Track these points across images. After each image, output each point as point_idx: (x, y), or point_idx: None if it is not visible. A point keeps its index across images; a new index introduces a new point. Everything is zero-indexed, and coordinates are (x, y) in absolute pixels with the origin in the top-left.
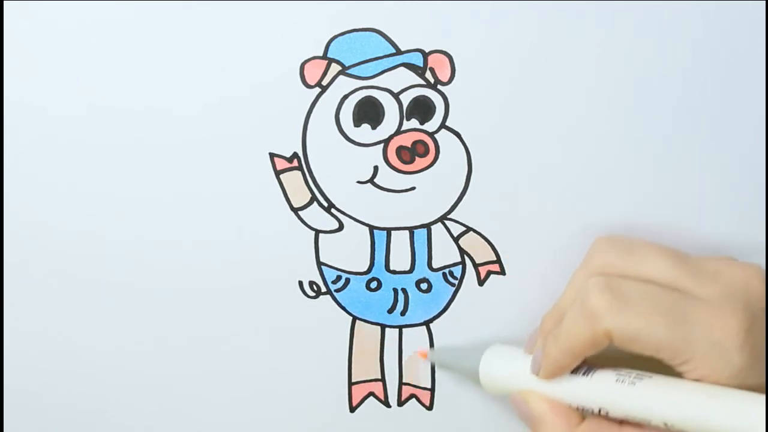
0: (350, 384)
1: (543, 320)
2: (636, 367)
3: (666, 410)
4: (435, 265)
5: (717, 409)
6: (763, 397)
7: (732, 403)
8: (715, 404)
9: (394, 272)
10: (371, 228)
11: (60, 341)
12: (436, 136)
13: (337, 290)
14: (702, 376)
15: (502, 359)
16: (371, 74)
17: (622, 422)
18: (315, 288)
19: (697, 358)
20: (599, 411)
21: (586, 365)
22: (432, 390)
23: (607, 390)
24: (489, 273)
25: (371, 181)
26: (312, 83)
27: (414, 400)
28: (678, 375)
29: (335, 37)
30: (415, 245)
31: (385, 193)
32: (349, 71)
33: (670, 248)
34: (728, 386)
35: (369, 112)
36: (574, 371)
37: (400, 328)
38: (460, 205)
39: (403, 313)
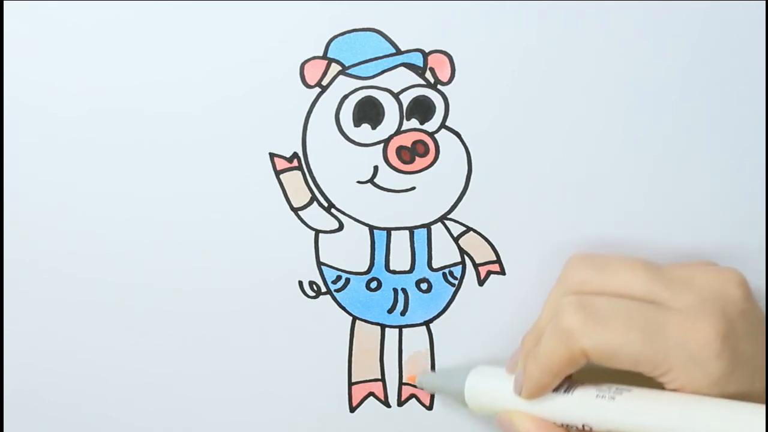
0: (350, 384)
1: (523, 340)
2: (620, 380)
3: (647, 423)
4: (435, 265)
5: (697, 419)
6: (746, 405)
7: (711, 412)
8: (695, 414)
9: (394, 272)
10: (371, 228)
11: (60, 341)
12: (436, 136)
13: (337, 290)
14: (681, 386)
15: (486, 381)
16: (371, 74)
17: None
18: (315, 288)
19: (675, 369)
20: (583, 427)
21: (568, 382)
22: None
23: (588, 406)
24: (489, 273)
25: (371, 181)
26: (312, 83)
27: (414, 400)
28: (659, 386)
29: (335, 37)
30: (415, 245)
31: (385, 193)
32: (349, 71)
33: (643, 261)
34: (709, 395)
35: (369, 112)
36: (556, 389)
37: (400, 328)
38: (460, 205)
39: (403, 313)
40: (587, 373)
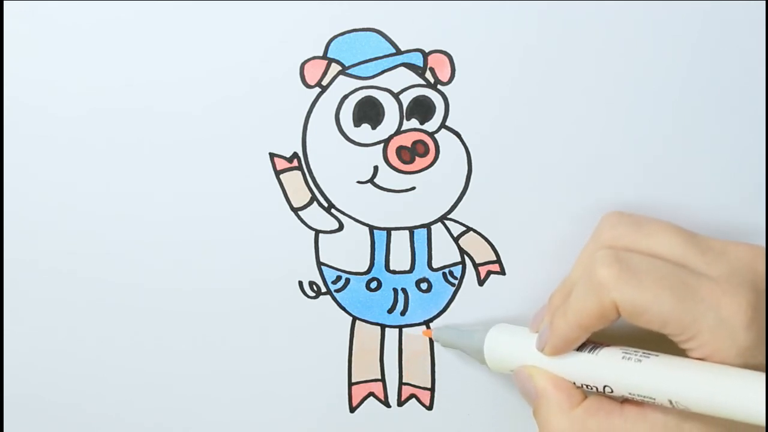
0: (350, 384)
1: (551, 297)
2: (640, 347)
3: (672, 387)
4: (435, 265)
5: (723, 388)
6: None
7: (738, 382)
8: (722, 383)
9: (394, 272)
10: (371, 228)
11: (60, 341)
12: (436, 136)
13: (337, 290)
14: (707, 354)
15: (508, 337)
16: (371, 74)
17: (623, 402)
18: (315, 288)
19: (703, 334)
20: (604, 388)
21: (592, 343)
22: (432, 390)
23: (613, 366)
24: (489, 273)
25: (371, 181)
26: (312, 83)
27: (414, 400)
28: (682, 353)
29: (335, 37)
30: (415, 245)
31: (385, 193)
32: (349, 71)
33: (679, 226)
34: (734, 365)
35: (369, 112)
36: (580, 348)
37: (400, 328)
38: (460, 205)
39: (403, 313)
40: (609, 340)
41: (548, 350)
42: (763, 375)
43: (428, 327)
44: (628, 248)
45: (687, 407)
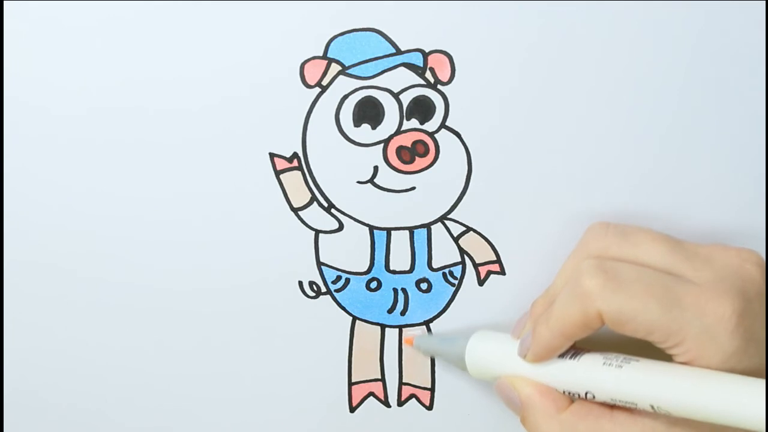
0: (350, 384)
1: (533, 304)
2: (627, 353)
3: (653, 393)
4: (435, 265)
5: (705, 392)
6: (752, 380)
7: (720, 386)
8: (703, 387)
9: (394, 272)
10: (371, 228)
11: (60, 341)
12: (436, 136)
13: (337, 290)
14: (692, 360)
15: (489, 343)
16: (371, 74)
17: (612, 407)
18: (315, 288)
19: (688, 341)
20: (586, 395)
21: (574, 349)
22: (432, 390)
23: (594, 373)
24: (489, 273)
25: (371, 181)
26: (312, 83)
27: (414, 400)
28: (667, 359)
29: (335, 37)
30: (415, 245)
31: (385, 193)
32: (349, 71)
33: (664, 234)
34: (718, 370)
35: (369, 112)
36: (561, 355)
37: (400, 328)
38: (460, 205)
39: (403, 313)
40: (592, 345)
41: (530, 357)
42: (747, 378)
43: (428, 328)
44: (613, 258)
45: (668, 412)
